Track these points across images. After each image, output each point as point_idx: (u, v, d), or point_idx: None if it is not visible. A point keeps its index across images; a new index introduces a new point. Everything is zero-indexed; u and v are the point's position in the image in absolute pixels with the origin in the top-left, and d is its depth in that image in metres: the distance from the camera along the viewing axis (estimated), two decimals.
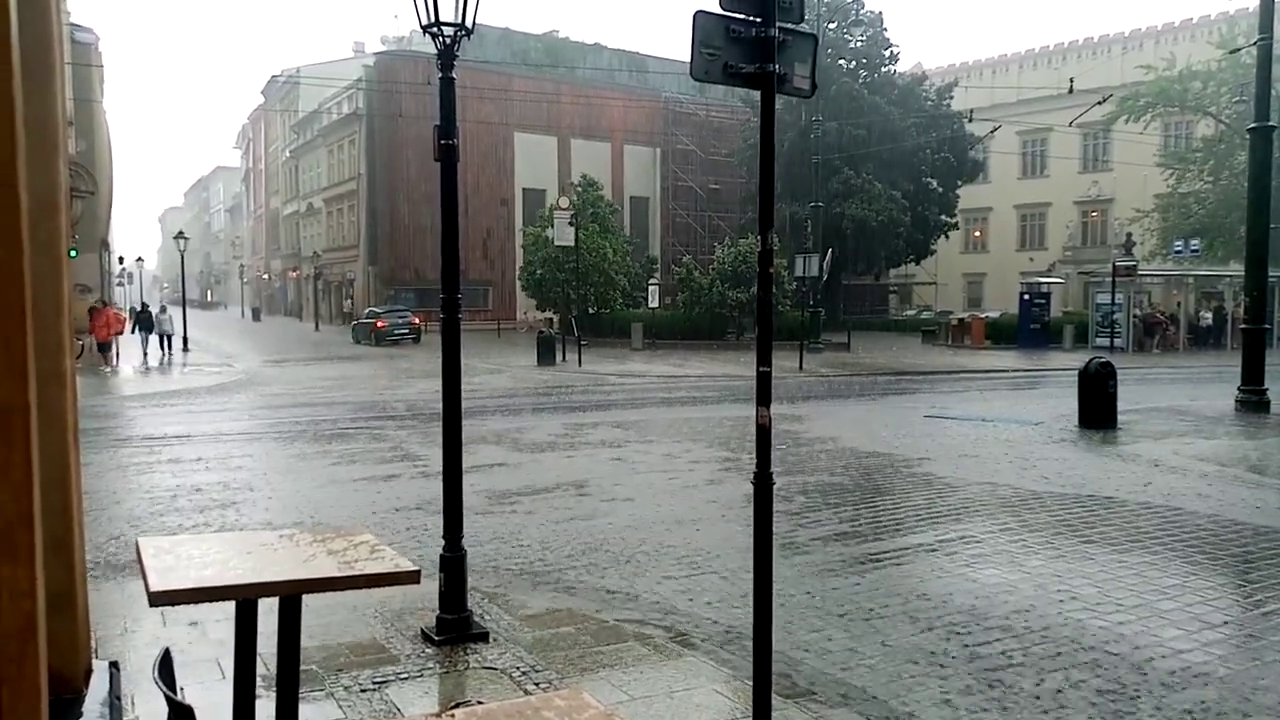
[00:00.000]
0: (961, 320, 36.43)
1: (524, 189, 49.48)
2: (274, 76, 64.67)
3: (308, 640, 4.03)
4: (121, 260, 50.39)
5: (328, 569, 2.65)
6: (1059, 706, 3.91)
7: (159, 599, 2.43)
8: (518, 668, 4.20)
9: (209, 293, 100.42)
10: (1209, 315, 34.55)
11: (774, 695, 3.58)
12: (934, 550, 6.44)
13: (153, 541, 2.84)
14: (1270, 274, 15.35)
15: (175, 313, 30.67)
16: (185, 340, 30.02)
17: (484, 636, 4.53)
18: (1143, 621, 4.91)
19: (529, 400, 16.85)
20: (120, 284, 55.02)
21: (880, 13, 44.31)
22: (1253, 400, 14.03)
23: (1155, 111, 39.46)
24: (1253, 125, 14.82)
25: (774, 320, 3.59)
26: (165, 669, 2.36)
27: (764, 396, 3.50)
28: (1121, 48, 49.25)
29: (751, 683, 3.58)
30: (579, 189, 36.96)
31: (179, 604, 2.76)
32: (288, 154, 65.49)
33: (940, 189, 44.24)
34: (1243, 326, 15.25)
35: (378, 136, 48.08)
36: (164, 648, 2.45)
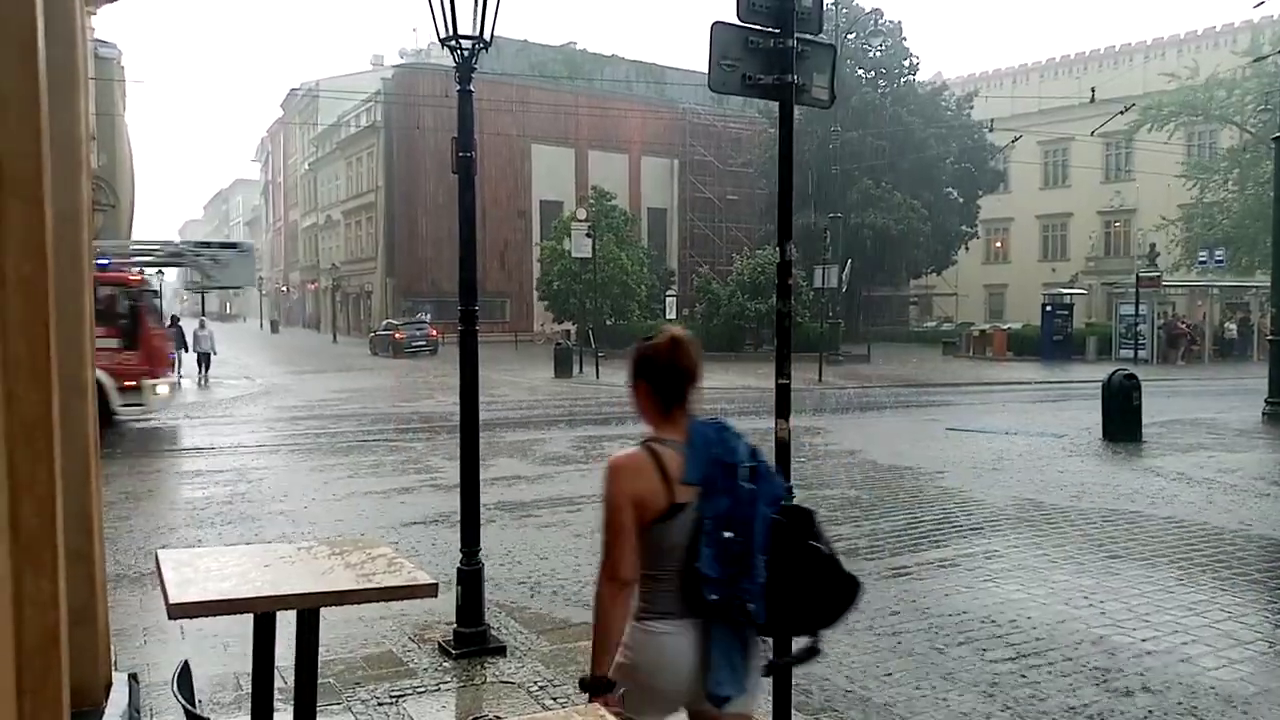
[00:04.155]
0: (983, 331, 36.17)
1: (541, 201, 49.68)
2: (293, 90, 65.32)
3: (325, 653, 4.03)
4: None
5: (345, 582, 2.65)
6: None
7: (178, 611, 2.43)
8: (535, 682, 4.18)
9: (228, 305, 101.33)
10: (1234, 326, 34.14)
11: (793, 711, 3.54)
12: (956, 565, 6.37)
13: (172, 554, 2.85)
14: None
15: (214, 328, 26.49)
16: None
17: (501, 650, 4.51)
18: (1170, 638, 4.83)
19: (546, 412, 16.86)
20: None
21: (900, 23, 44.30)
22: None
23: (1179, 121, 39.13)
24: (1279, 134, 14.67)
25: (793, 332, 3.57)
26: (184, 681, 2.37)
27: (783, 409, 3.48)
28: (1144, 56, 48.91)
29: (771, 697, 3.55)
30: (592, 201, 37.07)
31: (197, 617, 2.76)
32: (306, 167, 66.12)
33: (961, 199, 44.02)
34: (1269, 338, 15.05)
35: (396, 149, 48.45)
36: (183, 660, 2.45)
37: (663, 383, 2.30)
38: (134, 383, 13.67)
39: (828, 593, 2.25)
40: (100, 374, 13.80)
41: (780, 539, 2.20)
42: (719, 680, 2.16)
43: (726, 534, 2.14)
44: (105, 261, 14.49)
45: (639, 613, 2.22)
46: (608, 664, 2.15)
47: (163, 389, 14.24)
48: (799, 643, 2.37)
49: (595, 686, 2.14)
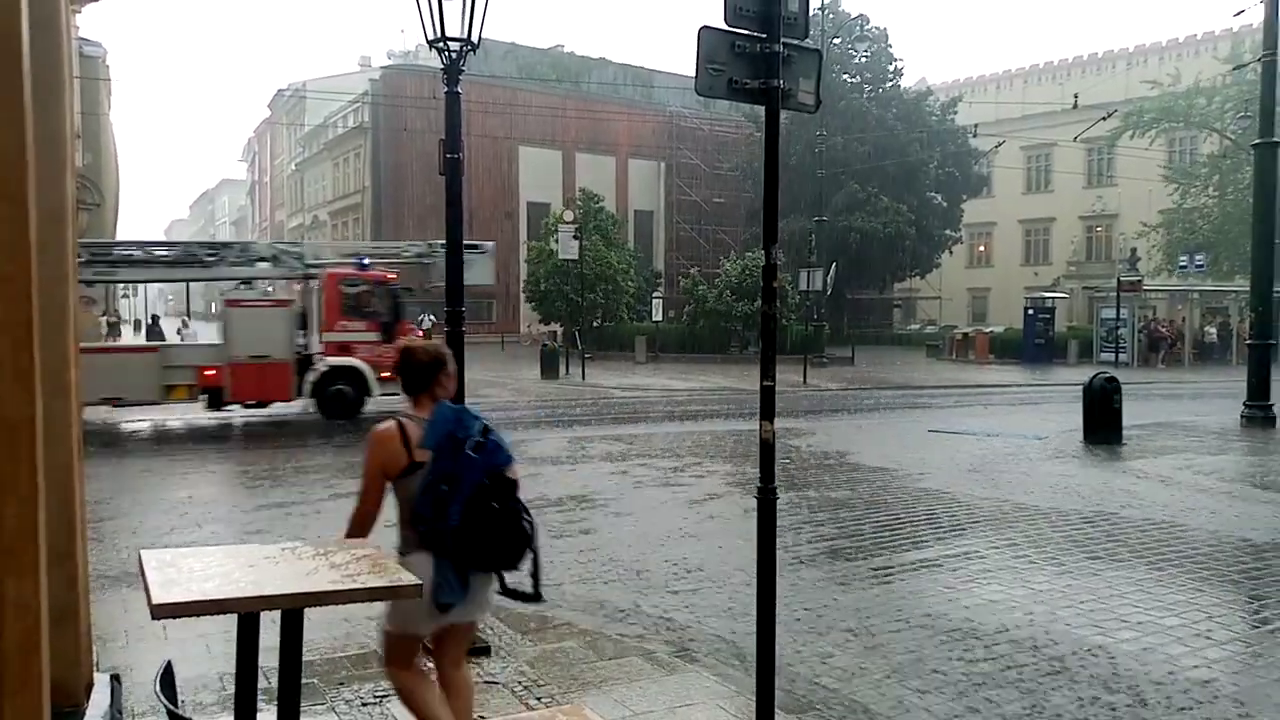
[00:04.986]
0: (965, 335, 36.38)
1: (529, 202, 49.59)
2: (280, 90, 64.97)
3: (309, 653, 4.02)
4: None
5: (330, 582, 2.64)
6: None
7: (161, 611, 2.42)
8: (519, 682, 4.19)
9: (213, 305, 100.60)
10: (1214, 330, 34.48)
11: (777, 710, 3.57)
12: (938, 566, 6.41)
13: (155, 554, 2.84)
14: (1276, 289, 15.29)
15: (200, 327, 25.79)
16: None
17: (485, 650, 4.51)
18: (1148, 638, 4.89)
19: (532, 413, 16.85)
20: (125, 296, 55.19)
21: (885, 28, 44.52)
22: (1258, 416, 13.99)
23: (1160, 127, 39.49)
24: (1258, 141, 14.83)
25: (778, 334, 3.60)
26: (167, 682, 2.36)
27: (768, 411, 3.50)
28: (1126, 63, 49.37)
29: (754, 698, 3.57)
30: (580, 203, 37.06)
31: (180, 617, 2.75)
32: (293, 167, 65.77)
33: (944, 204, 44.28)
34: (1248, 342, 15.21)
35: (383, 150, 48.25)
36: (166, 660, 2.45)
37: (403, 378, 3.19)
38: (391, 373, 13.97)
39: (502, 541, 3.00)
40: (360, 364, 14.43)
41: (478, 497, 2.93)
42: (441, 592, 2.92)
43: (443, 487, 2.91)
44: (366, 261, 14.93)
45: (399, 548, 3.09)
46: (352, 536, 3.14)
47: None
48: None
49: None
